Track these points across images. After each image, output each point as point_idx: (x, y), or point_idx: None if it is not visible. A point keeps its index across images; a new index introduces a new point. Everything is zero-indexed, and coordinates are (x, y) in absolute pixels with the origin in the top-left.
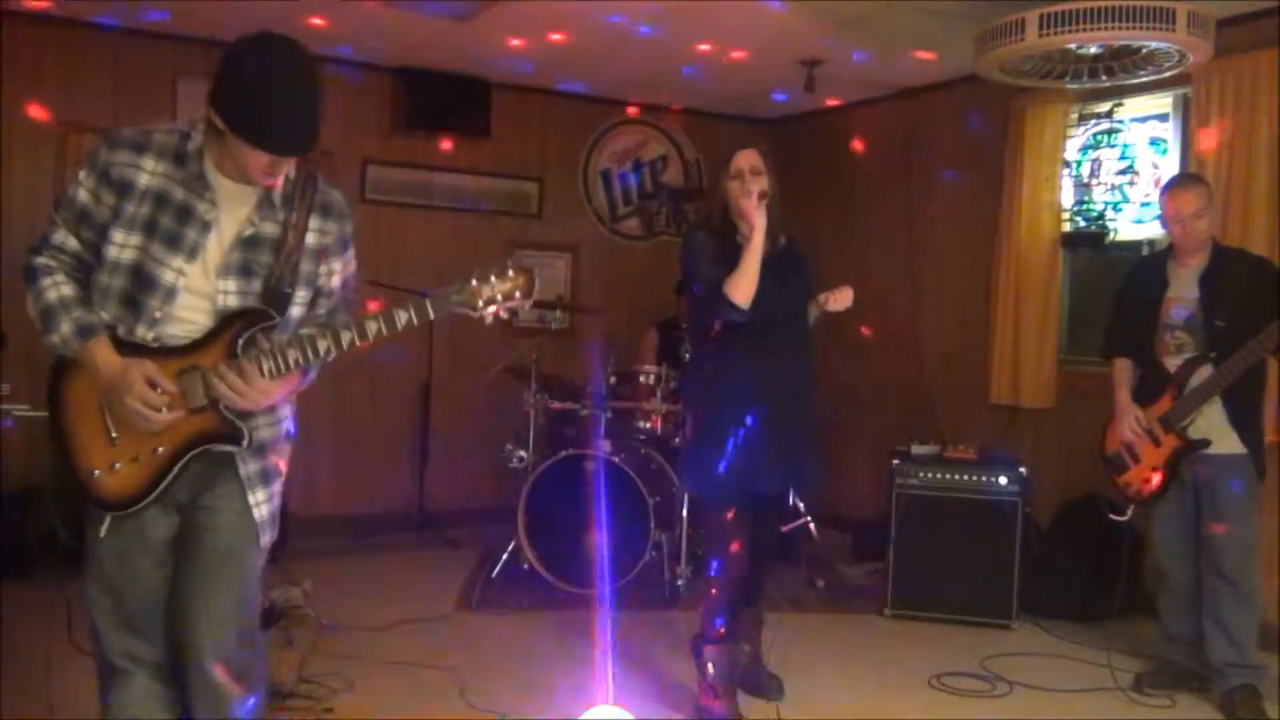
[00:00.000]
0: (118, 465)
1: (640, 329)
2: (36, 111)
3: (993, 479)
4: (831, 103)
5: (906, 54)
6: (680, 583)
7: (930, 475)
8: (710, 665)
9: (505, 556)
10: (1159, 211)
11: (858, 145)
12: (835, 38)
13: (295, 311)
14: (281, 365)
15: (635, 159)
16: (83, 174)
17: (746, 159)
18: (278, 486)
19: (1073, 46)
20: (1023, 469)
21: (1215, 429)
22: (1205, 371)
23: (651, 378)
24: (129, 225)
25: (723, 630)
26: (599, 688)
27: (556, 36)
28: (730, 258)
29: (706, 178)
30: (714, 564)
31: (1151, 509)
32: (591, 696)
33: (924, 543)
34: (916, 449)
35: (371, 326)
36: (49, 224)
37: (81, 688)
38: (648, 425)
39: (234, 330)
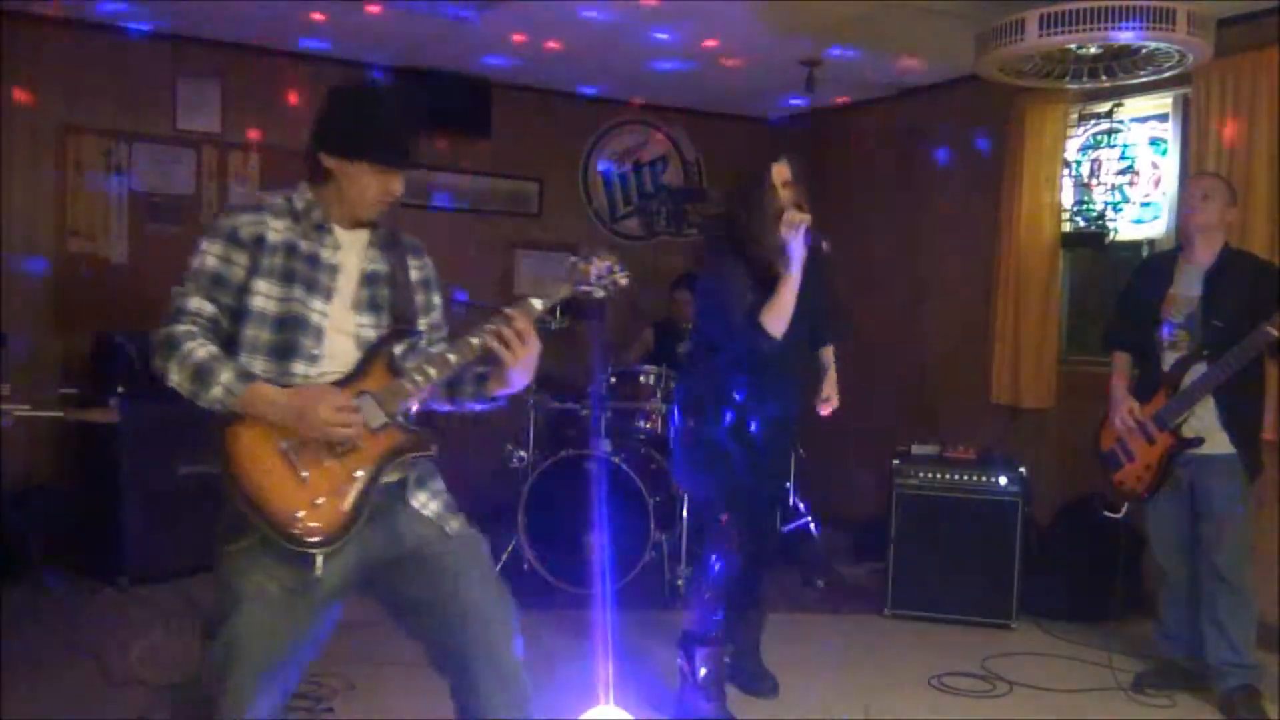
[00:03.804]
0: (320, 501)
1: (639, 328)
2: (34, 104)
3: (993, 479)
4: (831, 103)
5: (907, 54)
6: (680, 583)
7: (930, 475)
8: (702, 667)
9: (505, 556)
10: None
11: (858, 145)
12: (835, 38)
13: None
14: (442, 366)
15: (635, 159)
16: (205, 243)
17: (782, 173)
18: (437, 485)
19: (1073, 46)
20: (1023, 469)
21: (1207, 428)
22: (1199, 370)
23: (651, 378)
24: (269, 276)
25: (716, 632)
26: (599, 688)
27: (556, 36)
28: (761, 278)
29: (708, 179)
30: (709, 566)
31: (1147, 508)
32: (591, 696)
33: (924, 543)
34: (916, 449)
35: (513, 316)
36: (177, 297)
37: (82, 688)
38: (648, 425)
39: (386, 351)
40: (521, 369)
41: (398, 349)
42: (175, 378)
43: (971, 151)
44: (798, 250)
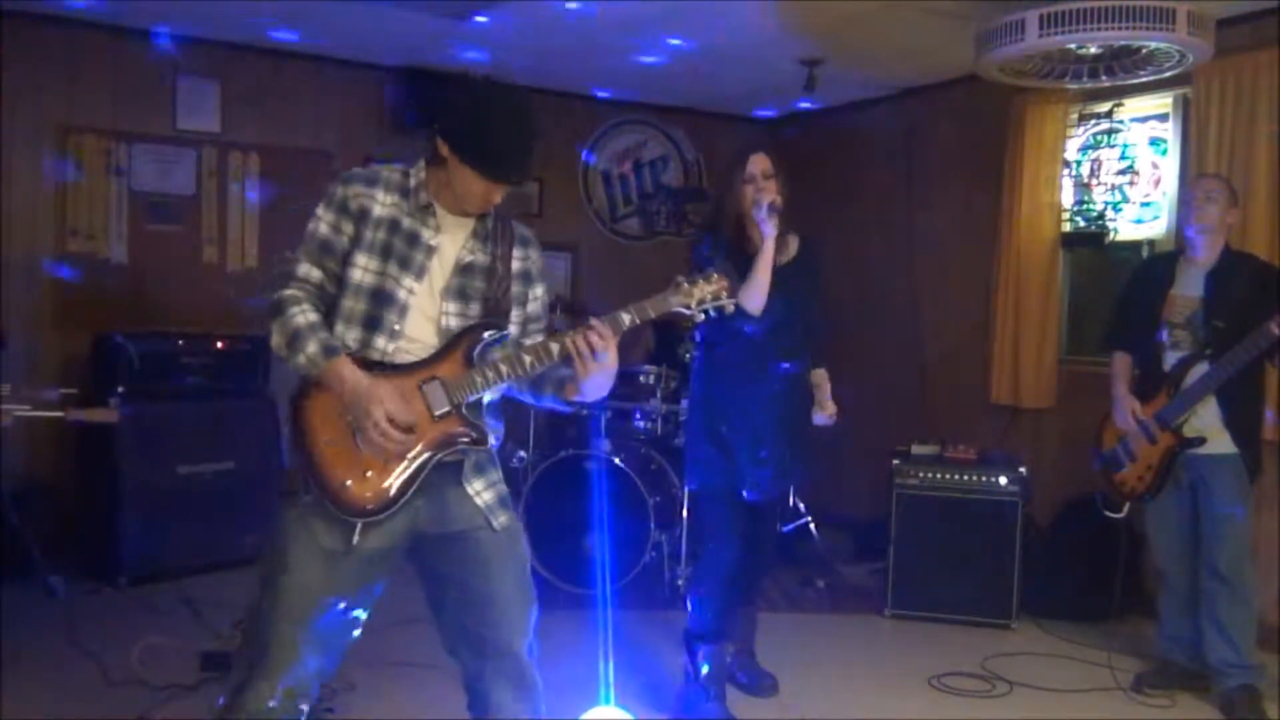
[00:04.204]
0: (369, 474)
1: (640, 329)
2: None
3: (993, 479)
4: (831, 103)
5: (906, 54)
6: (680, 583)
7: (930, 475)
8: (705, 665)
9: None
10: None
11: (858, 145)
12: (835, 38)
13: (512, 330)
14: (515, 367)
15: (635, 159)
16: (320, 210)
17: (759, 163)
18: (495, 475)
19: (1073, 46)
20: (1023, 469)
21: (1208, 428)
22: (1201, 370)
23: (651, 378)
24: (369, 250)
25: (717, 629)
26: (599, 688)
27: (556, 36)
28: (740, 265)
29: (708, 179)
30: (707, 562)
31: (1148, 508)
32: (591, 696)
33: (924, 543)
34: (916, 449)
35: (598, 327)
36: (290, 261)
37: (82, 688)
38: (648, 425)
39: (468, 342)
40: (596, 380)
41: (481, 341)
42: (275, 339)
43: (971, 152)
44: (765, 225)
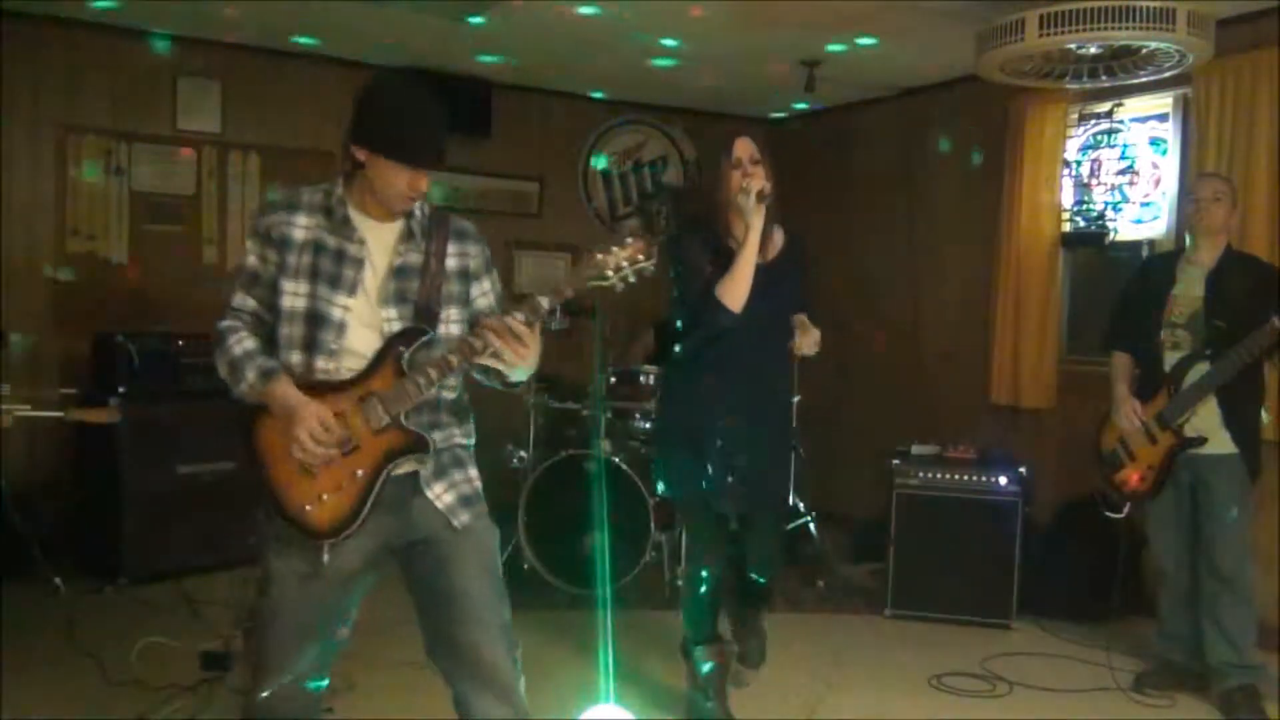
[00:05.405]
0: (325, 496)
1: (640, 329)
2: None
3: (993, 479)
4: (831, 103)
5: (906, 54)
6: (680, 583)
7: (930, 475)
8: (701, 666)
9: (505, 556)
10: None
11: (858, 145)
12: (835, 38)
13: (453, 329)
14: (444, 368)
15: (635, 159)
16: (249, 243)
17: (745, 148)
18: (458, 475)
19: (1073, 46)
20: (1023, 469)
21: (1209, 428)
22: (1201, 369)
23: (651, 378)
24: (295, 275)
25: (711, 631)
26: (599, 688)
27: (556, 37)
28: (722, 258)
29: (704, 175)
30: (690, 570)
31: (1148, 508)
32: (592, 696)
33: (924, 543)
34: (916, 449)
35: (518, 316)
36: (227, 293)
37: (82, 688)
38: (648, 425)
39: (394, 351)
40: (518, 365)
41: (410, 348)
42: (220, 369)
43: (971, 151)
44: (752, 215)
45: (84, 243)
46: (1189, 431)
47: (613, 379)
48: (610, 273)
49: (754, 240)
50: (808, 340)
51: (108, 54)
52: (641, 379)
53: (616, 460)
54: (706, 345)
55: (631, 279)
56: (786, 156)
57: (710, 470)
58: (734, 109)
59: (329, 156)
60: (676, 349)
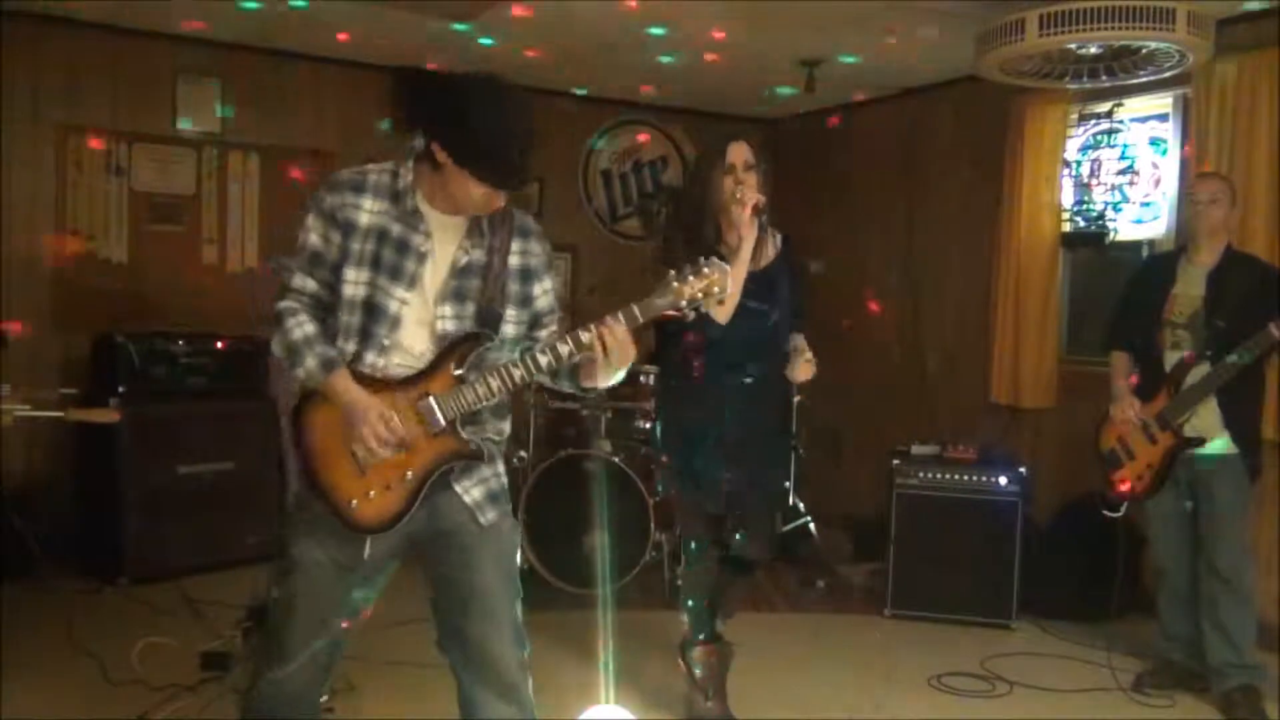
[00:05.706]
0: (372, 494)
1: (640, 329)
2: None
3: (993, 479)
4: (831, 103)
5: (906, 54)
6: (680, 583)
7: (930, 475)
8: (697, 667)
9: None
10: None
11: (858, 145)
12: (835, 38)
13: (509, 330)
14: (507, 380)
15: (635, 159)
16: (310, 219)
17: (739, 153)
18: (487, 471)
19: (1073, 46)
20: (1023, 469)
21: (1209, 428)
22: (1201, 369)
23: (651, 378)
24: (358, 262)
25: (709, 631)
26: (599, 688)
27: (556, 37)
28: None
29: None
30: (684, 571)
31: (1148, 508)
32: (592, 696)
33: (924, 543)
34: (916, 449)
35: (585, 336)
36: (285, 272)
37: (82, 688)
38: (648, 425)
39: (458, 355)
40: (609, 371)
41: (471, 354)
42: (278, 351)
43: (971, 151)
44: (746, 228)
45: (84, 243)
46: (1189, 432)
47: None
48: (684, 302)
49: (746, 255)
50: (803, 368)
51: (108, 54)
52: (641, 379)
53: (616, 460)
54: (700, 351)
55: (701, 308)
56: (786, 156)
57: (708, 471)
58: (734, 109)
59: (329, 156)
60: (672, 352)
